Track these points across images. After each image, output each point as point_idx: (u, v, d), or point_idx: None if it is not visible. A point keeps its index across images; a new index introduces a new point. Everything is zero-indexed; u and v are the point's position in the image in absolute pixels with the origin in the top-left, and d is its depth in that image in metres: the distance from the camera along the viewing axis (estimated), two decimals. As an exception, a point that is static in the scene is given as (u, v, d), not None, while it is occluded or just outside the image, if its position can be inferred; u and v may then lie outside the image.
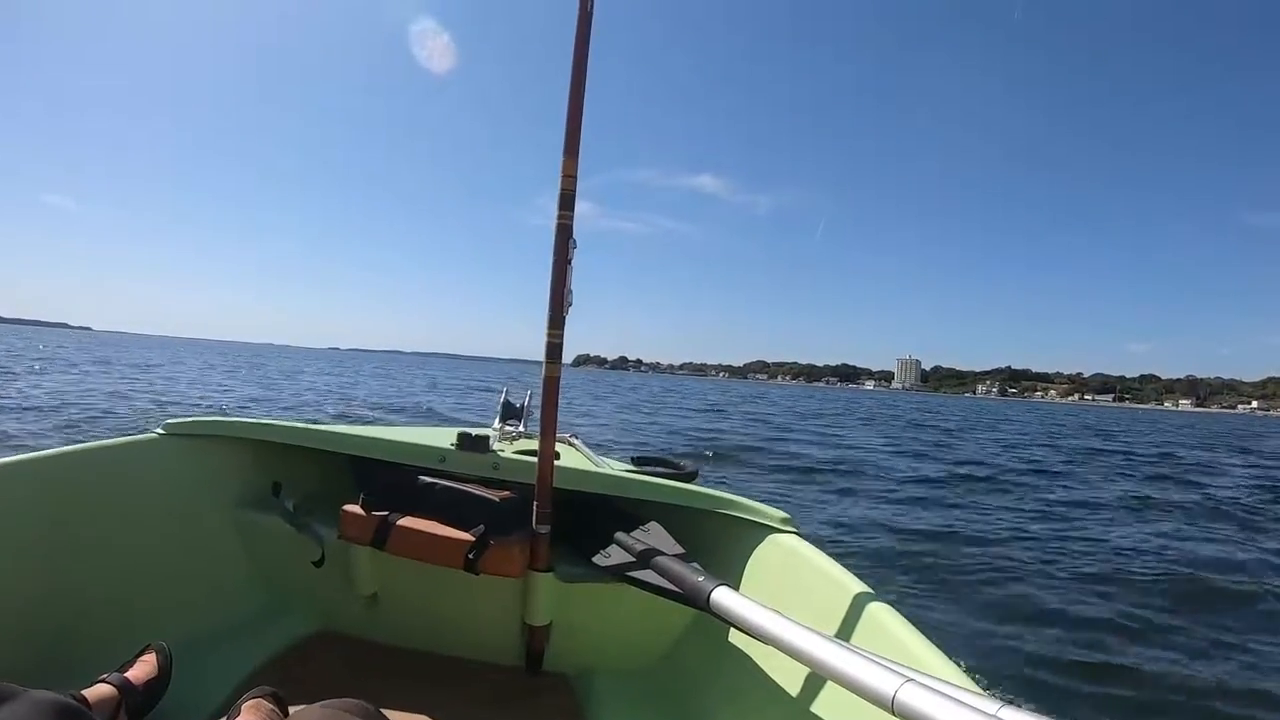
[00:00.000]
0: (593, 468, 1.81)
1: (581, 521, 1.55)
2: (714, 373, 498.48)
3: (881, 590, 1.10)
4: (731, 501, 1.49)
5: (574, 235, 1.35)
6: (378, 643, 1.52)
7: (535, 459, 1.39)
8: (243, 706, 1.03)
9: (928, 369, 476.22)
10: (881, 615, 1.02)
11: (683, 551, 1.33)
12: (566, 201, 1.33)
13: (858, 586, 1.13)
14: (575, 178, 1.33)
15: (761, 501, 1.50)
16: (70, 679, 0.92)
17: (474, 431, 1.61)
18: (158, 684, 1.11)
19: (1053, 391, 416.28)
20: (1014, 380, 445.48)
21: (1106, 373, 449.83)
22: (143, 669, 1.12)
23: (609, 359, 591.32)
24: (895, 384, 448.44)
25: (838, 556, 1.28)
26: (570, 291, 1.35)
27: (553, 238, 1.34)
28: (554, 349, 1.36)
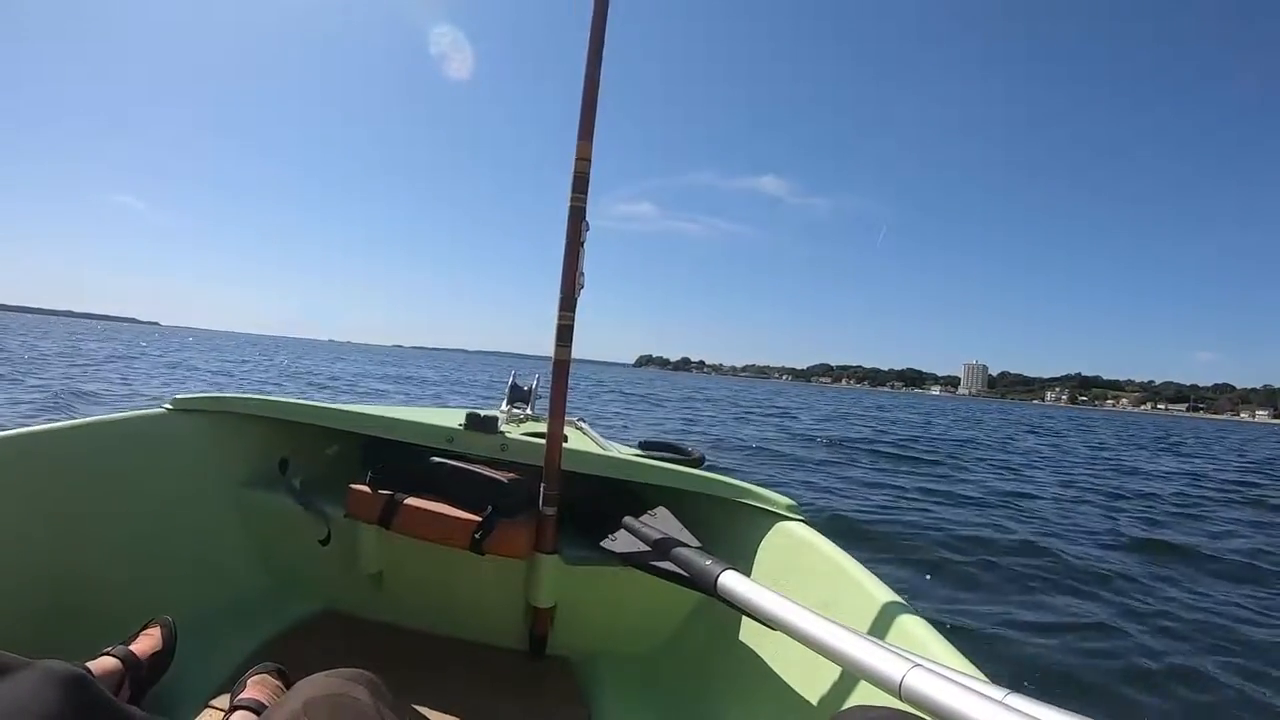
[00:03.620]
0: (600, 451, 1.78)
1: (588, 505, 1.54)
2: (777, 375, 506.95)
3: (888, 580, 1.10)
4: (739, 488, 1.49)
5: (586, 218, 1.33)
6: (382, 622, 1.52)
7: (543, 440, 1.38)
8: (248, 681, 1.05)
9: (994, 374, 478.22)
10: (889, 603, 1.02)
11: (690, 536, 1.32)
12: (580, 184, 1.31)
13: (865, 575, 1.13)
14: (589, 161, 1.32)
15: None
16: (75, 652, 0.91)
17: (482, 412, 1.60)
18: (162, 658, 1.12)
19: (1125, 400, 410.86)
20: (1084, 387, 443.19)
21: (1176, 381, 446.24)
22: (147, 643, 1.11)
23: (672, 360, 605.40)
24: (961, 389, 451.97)
25: (846, 545, 1.28)
26: (582, 274, 1.33)
27: (565, 221, 1.32)
28: (564, 331, 1.34)
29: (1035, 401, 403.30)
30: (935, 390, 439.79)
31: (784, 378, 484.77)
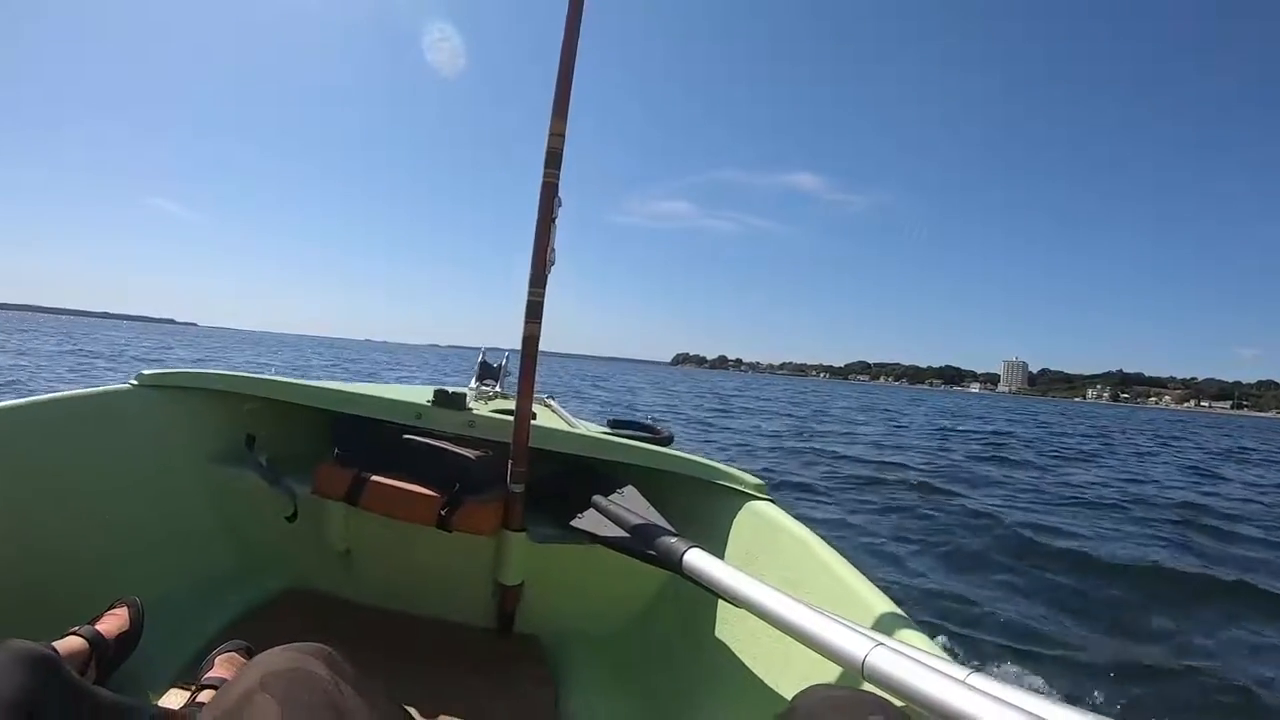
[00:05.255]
0: (569, 429, 1.78)
1: (556, 483, 1.54)
2: (814, 373, 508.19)
3: (854, 560, 1.11)
4: (707, 467, 1.50)
5: (560, 194, 1.34)
6: (349, 600, 1.52)
7: (511, 418, 1.38)
8: (215, 660, 1.05)
9: (1034, 371, 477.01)
10: (854, 582, 1.03)
11: (658, 515, 1.31)
12: (553, 160, 1.32)
13: (831, 554, 1.14)
14: (563, 137, 1.32)
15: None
16: (40, 632, 0.88)
17: (450, 389, 1.59)
18: (129, 637, 1.11)
19: (1168, 398, 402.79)
20: (1126, 385, 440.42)
21: (1219, 378, 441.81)
22: (114, 622, 1.10)
23: (709, 358, 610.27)
24: (1001, 387, 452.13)
25: (812, 524, 1.29)
26: (554, 250, 1.34)
27: (538, 197, 1.33)
28: (534, 307, 1.34)
29: (1077, 399, 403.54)
30: (975, 388, 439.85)
31: (822, 375, 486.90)
